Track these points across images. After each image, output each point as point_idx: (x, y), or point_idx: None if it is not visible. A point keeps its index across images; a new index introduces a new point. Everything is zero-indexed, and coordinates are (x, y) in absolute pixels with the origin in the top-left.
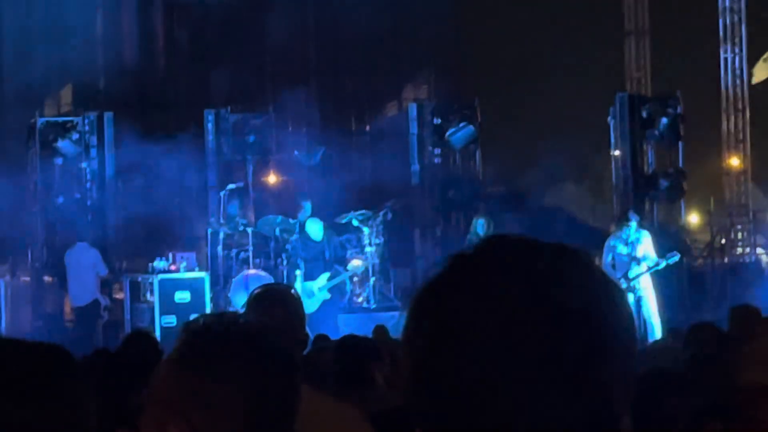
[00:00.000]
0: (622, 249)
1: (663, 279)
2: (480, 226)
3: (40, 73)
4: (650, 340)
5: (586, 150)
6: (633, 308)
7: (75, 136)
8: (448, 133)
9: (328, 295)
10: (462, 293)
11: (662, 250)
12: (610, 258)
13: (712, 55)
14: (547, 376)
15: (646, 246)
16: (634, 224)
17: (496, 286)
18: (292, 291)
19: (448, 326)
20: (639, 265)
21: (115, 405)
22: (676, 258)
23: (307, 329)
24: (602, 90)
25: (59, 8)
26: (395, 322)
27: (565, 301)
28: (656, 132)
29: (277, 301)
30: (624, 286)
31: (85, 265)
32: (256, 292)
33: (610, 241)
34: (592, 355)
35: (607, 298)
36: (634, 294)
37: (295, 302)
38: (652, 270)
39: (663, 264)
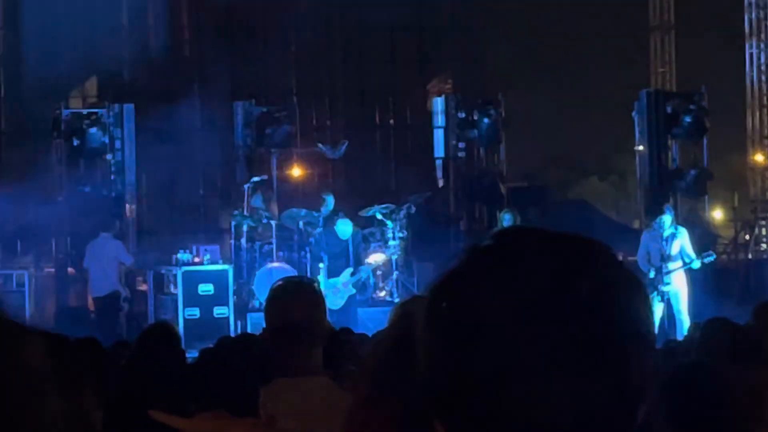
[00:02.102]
0: (657, 244)
1: (686, 275)
2: (506, 220)
3: (66, 64)
4: (680, 337)
5: (611, 145)
6: (663, 304)
7: (100, 127)
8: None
9: (353, 291)
10: (482, 283)
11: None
12: (645, 251)
13: (737, 50)
14: (565, 365)
15: (682, 242)
16: (668, 218)
17: (515, 276)
18: (314, 284)
19: (469, 317)
20: (674, 261)
21: (141, 390)
22: (712, 257)
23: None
24: (627, 85)
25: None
26: None
27: (583, 290)
28: (681, 128)
29: (299, 293)
30: (653, 276)
31: (107, 257)
32: (278, 284)
33: (645, 235)
34: (611, 344)
35: (624, 287)
36: (665, 289)
37: (317, 294)
38: (686, 267)
39: (698, 263)
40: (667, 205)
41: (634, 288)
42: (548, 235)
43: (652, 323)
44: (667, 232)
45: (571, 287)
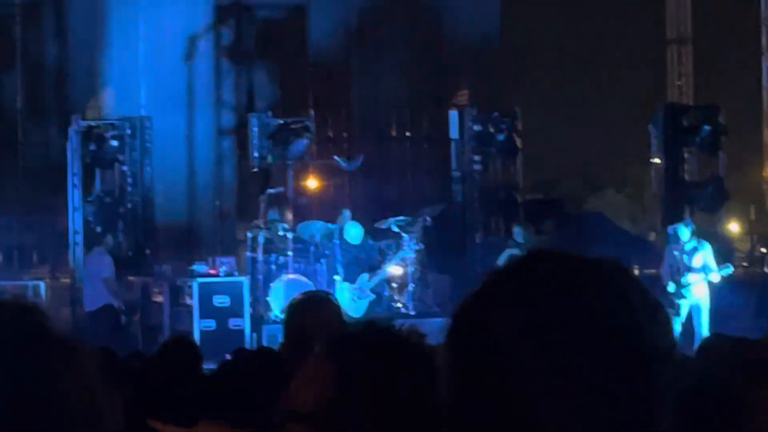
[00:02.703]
0: (679, 256)
1: (708, 286)
2: (518, 233)
3: (82, 75)
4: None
5: (627, 157)
6: (684, 316)
7: (116, 138)
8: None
9: (372, 296)
10: (502, 308)
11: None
12: (668, 265)
13: (754, 63)
14: (587, 389)
15: (705, 256)
16: (685, 229)
17: (535, 300)
18: (332, 297)
19: (489, 341)
20: (695, 273)
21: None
22: (729, 270)
23: None
24: (644, 97)
25: (101, 10)
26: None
27: (606, 316)
28: (697, 141)
29: (318, 307)
30: (673, 290)
31: (95, 271)
32: (296, 298)
33: (669, 249)
34: (631, 366)
35: (647, 313)
36: (680, 302)
37: (336, 307)
38: (704, 280)
39: (717, 274)
40: (686, 218)
41: (654, 310)
42: (570, 258)
43: (674, 345)
44: (689, 245)
45: (592, 310)
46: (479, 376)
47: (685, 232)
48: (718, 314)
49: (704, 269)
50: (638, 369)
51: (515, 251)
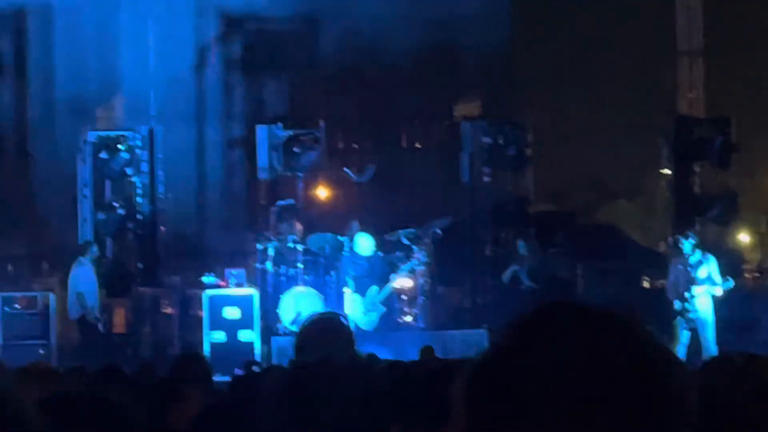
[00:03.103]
0: (684, 270)
1: (712, 299)
2: (522, 247)
3: (93, 85)
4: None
5: (639, 168)
6: (689, 332)
7: (126, 150)
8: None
9: (383, 309)
10: (521, 363)
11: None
12: (674, 279)
13: (765, 75)
14: None
15: (709, 269)
16: (688, 243)
17: (553, 356)
18: (342, 317)
19: (508, 396)
20: (699, 285)
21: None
22: (731, 284)
23: (362, 348)
24: (655, 109)
25: (112, 20)
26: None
27: (623, 369)
28: (708, 153)
29: (331, 331)
30: (679, 307)
31: (72, 282)
32: (310, 320)
33: (674, 262)
34: (650, 420)
35: (661, 363)
36: (692, 317)
37: (346, 328)
38: (705, 293)
39: (718, 288)
40: (689, 232)
41: (671, 363)
42: (584, 311)
43: (692, 395)
44: (693, 258)
45: (608, 365)
46: (505, 428)
47: (686, 246)
48: (730, 326)
49: (708, 282)
50: (660, 419)
51: (517, 267)
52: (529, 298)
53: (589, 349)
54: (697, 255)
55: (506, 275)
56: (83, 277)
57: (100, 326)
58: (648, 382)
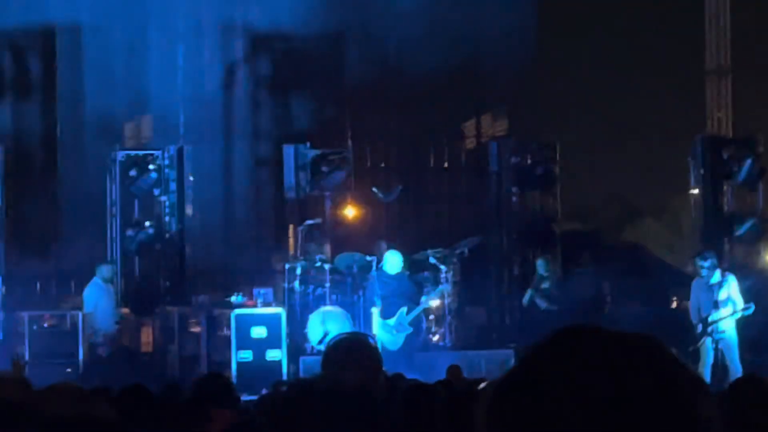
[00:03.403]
0: (706, 292)
1: (735, 321)
2: (541, 266)
3: (122, 104)
4: None
5: (667, 187)
6: (715, 353)
7: (154, 169)
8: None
9: (410, 329)
10: (542, 387)
11: (742, 292)
12: (696, 301)
13: None
14: None
15: (730, 291)
16: (704, 264)
17: (575, 380)
18: (370, 339)
19: (530, 421)
20: (722, 307)
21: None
22: (751, 310)
23: (387, 368)
24: (683, 129)
25: (140, 39)
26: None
27: (644, 393)
28: (736, 173)
29: (357, 351)
30: (701, 330)
31: (84, 301)
32: (334, 340)
33: (695, 285)
34: None
35: (685, 386)
36: (714, 338)
37: (373, 349)
38: (728, 318)
39: (738, 314)
40: (705, 252)
41: (695, 386)
42: (606, 335)
43: (717, 419)
44: (714, 280)
45: (632, 390)
46: None
47: (702, 266)
48: (755, 347)
49: (731, 303)
50: None
51: (533, 291)
52: (555, 318)
53: (610, 373)
54: (717, 276)
55: (525, 298)
56: (90, 298)
57: (100, 350)
58: (673, 407)
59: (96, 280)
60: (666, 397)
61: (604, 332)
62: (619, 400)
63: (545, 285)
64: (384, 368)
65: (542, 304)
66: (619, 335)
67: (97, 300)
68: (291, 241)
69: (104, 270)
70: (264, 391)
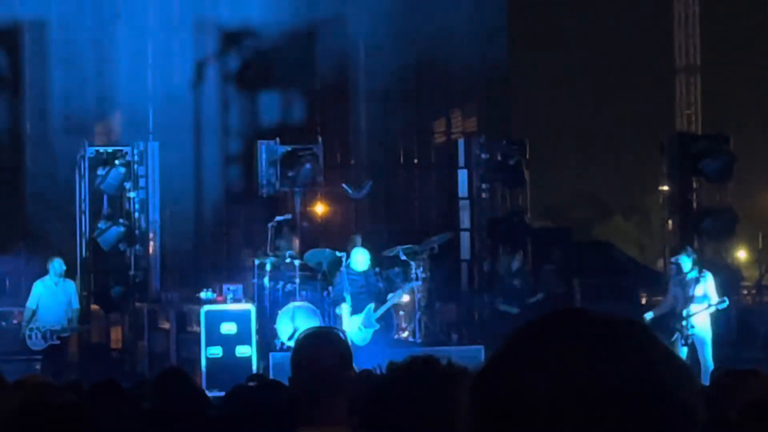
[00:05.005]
0: (682, 288)
1: (710, 316)
2: (515, 261)
3: (90, 101)
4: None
5: (636, 185)
6: (687, 349)
7: (123, 165)
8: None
9: (377, 326)
10: (526, 369)
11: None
12: (672, 296)
13: (763, 91)
14: None
15: (706, 287)
16: (687, 260)
17: (559, 361)
18: (339, 332)
19: (513, 403)
20: (696, 303)
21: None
22: (725, 304)
23: (356, 364)
24: (653, 126)
25: (110, 35)
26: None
27: (632, 379)
28: (706, 170)
29: (326, 343)
30: (677, 325)
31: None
32: (303, 334)
33: (672, 280)
34: (657, 426)
35: (668, 369)
36: (689, 333)
37: (345, 344)
38: (702, 312)
39: (712, 308)
40: (687, 248)
41: (680, 373)
42: (590, 319)
43: (701, 405)
44: (690, 275)
45: (614, 375)
46: None
47: (687, 263)
48: (726, 344)
49: (705, 299)
50: (667, 428)
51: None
52: (526, 314)
53: (592, 358)
54: (694, 272)
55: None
56: (33, 292)
57: (29, 343)
58: (655, 394)
59: (45, 277)
60: (648, 383)
61: (589, 315)
62: (600, 385)
63: (515, 282)
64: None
65: (502, 306)
66: (605, 319)
67: (40, 295)
68: (260, 237)
69: (56, 264)
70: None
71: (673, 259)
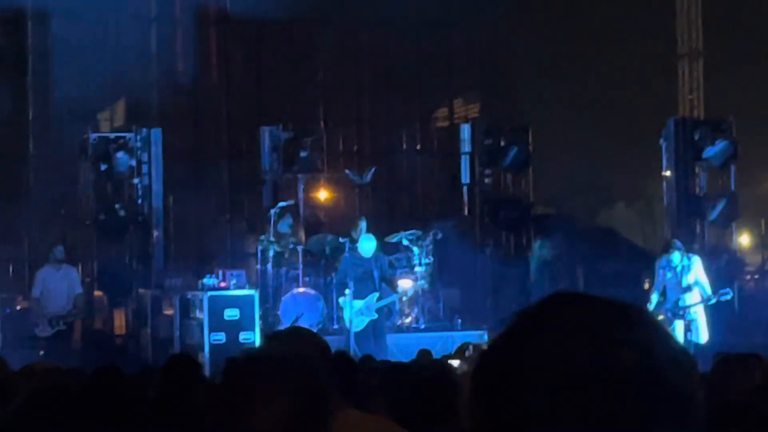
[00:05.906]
0: (671, 275)
1: (716, 306)
2: (540, 247)
3: (94, 88)
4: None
5: (639, 171)
6: (683, 334)
7: (127, 151)
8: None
9: (375, 315)
10: (527, 351)
11: (712, 274)
12: (657, 284)
13: (766, 77)
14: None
15: (696, 272)
16: (677, 255)
17: (559, 344)
18: (314, 336)
19: (513, 384)
20: (690, 291)
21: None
22: (728, 296)
23: (355, 348)
24: (655, 112)
25: (114, 23)
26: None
27: (630, 363)
28: (708, 155)
29: (295, 337)
30: (671, 315)
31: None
32: (274, 337)
33: (660, 263)
34: (655, 411)
35: (667, 354)
36: (685, 319)
37: (316, 335)
38: (703, 303)
39: (714, 300)
40: (674, 240)
41: (679, 361)
42: (592, 304)
43: (699, 390)
44: (679, 264)
45: (614, 362)
46: (503, 421)
47: (677, 257)
48: (729, 329)
49: (698, 286)
50: (664, 415)
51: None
52: (529, 299)
53: (592, 343)
54: (684, 260)
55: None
56: (36, 283)
57: (36, 331)
58: (654, 381)
59: (47, 265)
60: (647, 371)
61: (589, 300)
62: (599, 370)
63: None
64: (351, 349)
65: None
66: (607, 304)
67: (44, 281)
68: (264, 223)
69: (57, 251)
70: None
71: (665, 257)
